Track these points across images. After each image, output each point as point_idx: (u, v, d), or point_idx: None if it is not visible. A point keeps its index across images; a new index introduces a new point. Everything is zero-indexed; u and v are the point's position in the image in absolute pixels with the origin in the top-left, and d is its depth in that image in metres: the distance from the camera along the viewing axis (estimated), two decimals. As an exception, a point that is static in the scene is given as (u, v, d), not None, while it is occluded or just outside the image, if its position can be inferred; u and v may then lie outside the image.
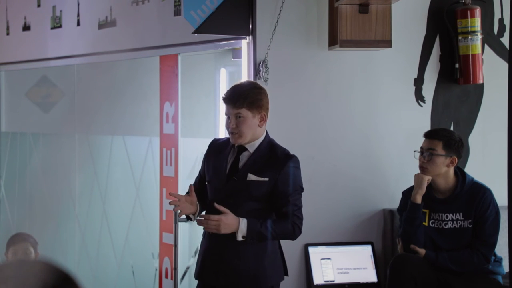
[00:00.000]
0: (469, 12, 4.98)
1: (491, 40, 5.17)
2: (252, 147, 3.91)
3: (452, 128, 5.07)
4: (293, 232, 3.87)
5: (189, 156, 5.43)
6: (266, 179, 3.85)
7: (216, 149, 4.04)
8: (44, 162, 7.12)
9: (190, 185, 4.01)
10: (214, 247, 3.94)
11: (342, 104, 4.90)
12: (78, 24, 6.12)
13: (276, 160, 3.88)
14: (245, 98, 3.86)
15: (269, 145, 3.93)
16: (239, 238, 3.84)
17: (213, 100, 5.60)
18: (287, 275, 4.02)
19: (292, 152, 4.53)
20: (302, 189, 3.92)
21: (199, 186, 4.07)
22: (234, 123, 3.86)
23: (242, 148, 3.92)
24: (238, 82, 4.05)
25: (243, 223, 3.83)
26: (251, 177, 3.87)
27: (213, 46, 4.95)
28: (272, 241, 3.90)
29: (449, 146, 4.51)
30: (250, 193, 3.86)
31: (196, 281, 4.12)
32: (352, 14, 4.67)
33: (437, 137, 4.54)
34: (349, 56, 4.89)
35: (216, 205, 3.86)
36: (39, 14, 6.63)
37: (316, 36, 4.82)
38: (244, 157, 3.91)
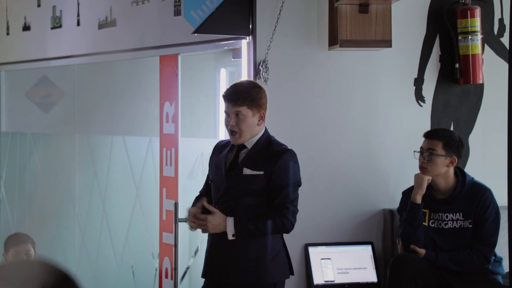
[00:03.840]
0: (469, 12, 4.98)
1: (491, 40, 5.17)
2: (250, 144, 3.95)
3: (452, 128, 5.07)
4: (284, 225, 3.88)
5: (189, 156, 5.44)
6: (261, 172, 3.88)
7: (219, 149, 4.09)
8: (44, 162, 7.12)
9: (203, 198, 4.00)
10: (217, 244, 3.97)
11: (342, 104, 4.90)
12: (78, 24, 6.12)
13: (272, 154, 3.92)
14: (246, 97, 3.90)
15: (266, 141, 3.97)
16: (230, 237, 3.87)
17: (213, 100, 5.60)
18: (292, 274, 4.03)
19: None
20: (298, 183, 3.94)
21: (208, 188, 4.13)
22: (234, 121, 3.90)
23: (242, 146, 3.96)
24: (238, 81, 4.08)
25: (230, 221, 3.87)
26: (246, 171, 3.91)
27: (213, 46, 4.95)
28: (273, 238, 3.92)
29: (449, 146, 4.51)
30: (246, 187, 3.89)
31: (198, 281, 4.13)
32: (352, 14, 4.67)
33: (437, 137, 4.54)
34: (349, 56, 4.88)
35: (205, 204, 3.92)
36: (39, 14, 6.63)
37: (316, 36, 4.82)
38: (243, 154, 3.96)
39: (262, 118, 3.94)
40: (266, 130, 4.00)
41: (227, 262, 3.93)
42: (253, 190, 3.89)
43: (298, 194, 3.94)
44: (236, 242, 3.89)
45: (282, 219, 3.86)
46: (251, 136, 3.94)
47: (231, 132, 3.93)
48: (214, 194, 4.02)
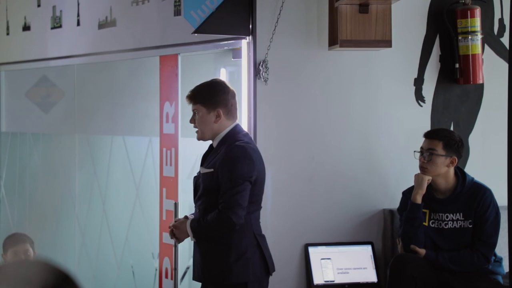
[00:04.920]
0: (469, 12, 4.98)
1: (491, 40, 5.17)
2: (215, 142, 4.01)
3: (452, 128, 5.07)
4: (223, 222, 3.83)
5: (189, 156, 5.43)
6: (211, 169, 3.91)
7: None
8: (44, 162, 7.12)
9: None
10: (194, 246, 4.09)
11: (342, 104, 4.90)
12: (78, 24, 6.12)
13: (223, 150, 3.93)
14: (197, 94, 4.00)
15: (229, 138, 3.97)
16: (191, 239, 3.99)
17: (213, 100, 5.58)
18: (269, 273, 4.01)
19: (291, 153, 4.55)
20: (245, 178, 3.86)
21: None
22: (193, 119, 4.01)
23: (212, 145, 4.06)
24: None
25: (187, 225, 3.96)
26: (202, 170, 3.99)
27: (213, 46, 4.95)
28: (236, 238, 3.91)
29: (449, 146, 4.51)
30: (204, 186, 3.95)
31: (195, 282, 4.19)
32: (352, 14, 4.67)
33: (437, 137, 4.54)
34: (349, 56, 4.88)
35: (175, 218, 4.14)
36: (39, 14, 6.63)
37: (316, 36, 4.82)
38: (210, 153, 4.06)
39: (219, 116, 3.95)
40: (234, 127, 3.99)
41: (197, 262, 4.03)
42: (210, 189, 3.92)
43: (245, 189, 3.85)
44: (199, 243, 3.98)
45: (220, 216, 3.84)
46: (212, 134, 3.99)
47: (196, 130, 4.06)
48: None
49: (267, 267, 3.99)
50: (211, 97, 3.97)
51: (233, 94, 4.03)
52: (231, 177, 3.84)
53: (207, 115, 3.96)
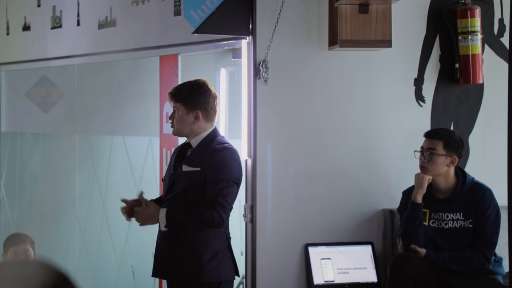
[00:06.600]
0: (469, 12, 4.97)
1: (491, 40, 5.16)
2: (195, 143, 4.04)
3: (452, 128, 5.07)
4: (213, 219, 3.89)
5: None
6: (198, 168, 3.95)
7: (177, 150, 4.21)
8: (44, 162, 7.12)
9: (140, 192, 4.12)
10: (160, 242, 4.07)
11: (342, 104, 4.89)
12: (78, 24, 6.12)
13: (210, 151, 3.99)
14: (179, 93, 4.04)
15: (211, 140, 4.03)
16: (162, 228, 3.94)
17: (213, 100, 5.58)
18: (237, 275, 4.09)
19: (291, 153, 4.55)
20: (235, 181, 3.97)
21: None
22: (172, 116, 4.06)
23: (190, 145, 4.07)
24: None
25: (162, 212, 3.93)
26: (185, 168, 3.99)
27: (213, 46, 4.96)
28: (212, 238, 3.96)
29: (450, 146, 4.51)
30: (185, 184, 3.96)
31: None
32: (352, 14, 4.66)
33: (438, 137, 4.54)
34: (349, 56, 4.88)
35: (140, 196, 4.03)
36: (39, 14, 6.63)
37: (316, 36, 4.81)
38: (188, 152, 4.07)
39: (198, 118, 4.01)
40: (214, 130, 4.07)
41: (163, 259, 4.01)
42: (192, 187, 3.95)
43: (234, 191, 3.98)
44: (174, 240, 3.95)
45: (211, 212, 3.89)
46: (192, 133, 4.04)
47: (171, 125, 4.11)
48: (163, 193, 4.13)
49: (236, 269, 4.07)
50: (191, 98, 4.02)
51: (214, 97, 4.11)
52: (223, 178, 3.93)
53: (186, 115, 4.02)
